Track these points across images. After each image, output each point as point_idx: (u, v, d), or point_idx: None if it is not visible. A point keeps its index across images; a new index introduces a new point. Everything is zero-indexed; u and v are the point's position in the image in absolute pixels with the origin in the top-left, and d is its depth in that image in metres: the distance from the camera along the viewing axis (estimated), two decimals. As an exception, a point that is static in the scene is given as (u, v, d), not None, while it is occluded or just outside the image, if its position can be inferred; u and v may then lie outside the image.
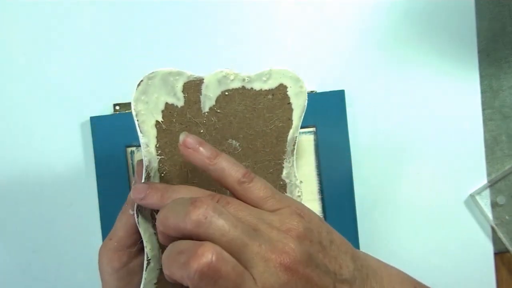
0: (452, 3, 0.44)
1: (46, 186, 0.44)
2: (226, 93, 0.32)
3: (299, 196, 0.33)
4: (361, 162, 0.44)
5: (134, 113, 0.30)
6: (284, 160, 0.33)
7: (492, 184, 0.44)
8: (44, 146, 0.44)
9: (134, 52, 0.44)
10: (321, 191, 0.43)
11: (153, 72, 0.30)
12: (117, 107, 0.43)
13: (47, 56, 0.44)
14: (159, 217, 0.26)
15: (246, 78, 0.32)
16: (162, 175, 0.31)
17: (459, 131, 0.44)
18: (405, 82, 0.44)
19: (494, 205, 0.44)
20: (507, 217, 0.44)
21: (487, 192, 0.44)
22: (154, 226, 0.31)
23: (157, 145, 0.31)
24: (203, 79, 0.31)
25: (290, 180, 0.33)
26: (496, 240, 0.44)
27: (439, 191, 0.44)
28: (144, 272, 0.31)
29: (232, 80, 0.32)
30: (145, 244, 0.31)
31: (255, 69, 0.44)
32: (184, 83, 0.31)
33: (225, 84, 0.31)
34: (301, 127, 0.42)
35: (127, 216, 0.32)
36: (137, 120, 0.30)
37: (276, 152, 0.33)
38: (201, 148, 0.27)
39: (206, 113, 0.31)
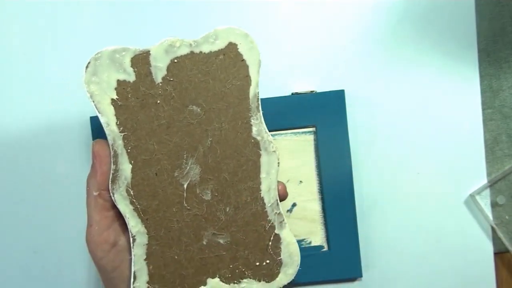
0: (452, 3, 0.44)
1: (47, 186, 0.44)
2: (176, 61, 0.32)
3: (274, 151, 0.33)
4: (361, 162, 0.44)
5: (88, 95, 0.31)
6: (251, 118, 0.33)
7: (492, 184, 0.44)
8: (44, 146, 0.44)
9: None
10: (321, 191, 0.43)
11: (98, 53, 0.31)
12: (117, 107, 0.43)
13: (47, 56, 0.44)
14: None
15: (193, 43, 0.32)
16: (128, 150, 0.32)
17: (459, 131, 0.44)
18: (405, 82, 0.44)
19: (494, 205, 0.44)
20: (507, 217, 0.44)
21: (487, 192, 0.44)
22: (132, 202, 0.32)
23: (118, 122, 0.31)
24: (149, 51, 0.31)
25: (262, 137, 0.33)
26: (496, 240, 0.44)
27: (439, 191, 0.44)
28: (132, 249, 0.32)
29: (179, 47, 0.32)
30: (127, 221, 0.32)
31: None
32: (131, 58, 0.31)
33: (173, 52, 0.32)
34: (301, 127, 0.43)
35: (93, 199, 0.32)
36: (93, 101, 0.31)
37: (240, 111, 0.32)
38: None
39: (160, 84, 0.32)
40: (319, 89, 0.44)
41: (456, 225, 0.44)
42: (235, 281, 0.33)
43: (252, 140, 0.33)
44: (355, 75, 0.44)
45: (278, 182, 0.34)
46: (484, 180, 0.44)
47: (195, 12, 0.44)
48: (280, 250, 0.33)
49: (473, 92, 0.44)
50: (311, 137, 0.43)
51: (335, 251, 0.42)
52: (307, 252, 0.43)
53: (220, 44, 0.32)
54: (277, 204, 0.33)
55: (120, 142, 0.31)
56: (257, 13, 0.44)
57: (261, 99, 0.42)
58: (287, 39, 0.44)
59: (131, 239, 0.32)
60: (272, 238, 0.33)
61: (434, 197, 0.44)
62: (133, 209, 0.32)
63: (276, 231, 0.33)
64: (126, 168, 0.32)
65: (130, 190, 0.32)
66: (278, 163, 0.33)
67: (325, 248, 0.43)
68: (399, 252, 0.44)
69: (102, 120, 0.31)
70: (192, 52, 0.32)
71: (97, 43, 0.44)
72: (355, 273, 0.43)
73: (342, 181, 0.42)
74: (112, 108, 0.31)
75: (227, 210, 0.33)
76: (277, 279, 0.33)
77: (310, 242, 0.43)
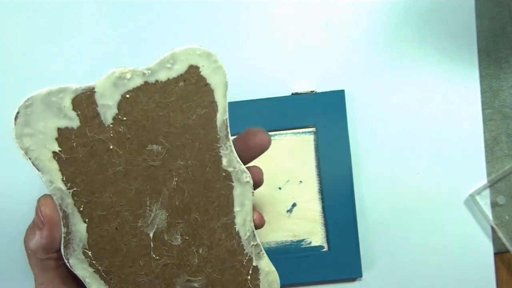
0: (452, 3, 0.44)
1: (46, 186, 0.44)
2: (128, 96, 0.27)
3: (248, 182, 0.30)
4: (361, 162, 0.44)
5: (22, 152, 0.26)
6: (220, 148, 0.29)
7: (492, 184, 0.44)
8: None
9: (134, 52, 0.44)
10: (321, 191, 0.43)
11: (28, 99, 0.26)
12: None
13: (47, 56, 0.44)
14: None
15: (146, 72, 0.27)
16: (81, 209, 0.27)
17: (459, 131, 0.44)
18: (405, 82, 0.44)
19: (494, 205, 0.44)
20: (507, 217, 0.44)
21: (487, 192, 0.44)
22: (91, 264, 0.28)
23: (64, 179, 0.27)
24: (94, 88, 0.26)
25: (234, 168, 0.29)
26: (496, 240, 0.44)
27: (439, 191, 0.44)
28: None
29: (130, 78, 0.27)
30: (87, 286, 0.28)
31: (254, 72, 0.44)
32: (72, 99, 0.26)
33: (123, 85, 0.27)
34: (301, 127, 0.43)
35: (40, 262, 0.28)
36: (29, 159, 0.26)
37: (208, 143, 0.28)
38: None
39: (111, 125, 0.27)
40: (319, 89, 0.44)
41: (456, 225, 0.44)
42: None
43: (224, 174, 0.29)
44: (355, 75, 0.44)
45: (254, 211, 0.31)
46: (484, 180, 0.44)
47: (195, 12, 0.44)
48: (259, 282, 0.31)
49: (473, 92, 0.44)
50: (311, 137, 0.43)
51: (335, 251, 0.42)
52: (307, 252, 0.43)
53: (179, 69, 0.27)
54: (254, 235, 0.30)
55: (69, 201, 0.27)
56: (257, 13, 0.44)
57: (261, 99, 0.43)
58: (287, 39, 0.44)
59: None
60: (250, 272, 0.30)
61: (434, 197, 0.44)
62: (94, 271, 0.28)
63: (254, 263, 0.31)
64: (80, 228, 0.27)
65: (87, 251, 0.28)
66: (253, 193, 0.30)
67: (325, 248, 0.43)
68: (399, 252, 0.44)
69: (44, 179, 0.26)
70: (146, 83, 0.27)
71: (98, 43, 0.44)
72: (355, 273, 0.42)
73: (342, 181, 0.42)
74: (54, 162, 0.26)
75: (200, 252, 0.29)
76: None
77: (310, 242, 0.43)
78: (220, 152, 0.29)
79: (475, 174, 0.44)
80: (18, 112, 0.26)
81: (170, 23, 0.44)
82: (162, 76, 0.27)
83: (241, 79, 0.44)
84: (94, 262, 0.28)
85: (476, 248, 0.44)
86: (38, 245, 0.28)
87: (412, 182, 0.44)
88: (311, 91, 0.43)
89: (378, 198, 0.44)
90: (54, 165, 0.26)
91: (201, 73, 0.28)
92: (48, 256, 0.28)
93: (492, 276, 0.44)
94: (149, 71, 0.27)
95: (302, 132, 0.43)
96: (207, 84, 0.28)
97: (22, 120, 0.26)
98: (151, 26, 0.44)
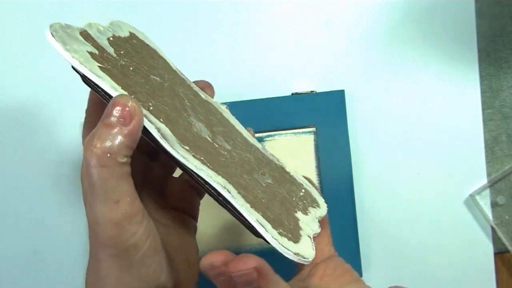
0: (452, 3, 0.44)
1: (47, 186, 0.44)
2: (111, 39, 0.29)
3: (226, 108, 0.33)
4: (361, 162, 0.44)
5: (76, 62, 0.26)
6: (192, 85, 0.32)
7: (492, 184, 0.44)
8: (44, 146, 0.44)
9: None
10: (321, 191, 0.43)
11: (51, 25, 0.26)
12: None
13: (47, 55, 0.44)
14: None
15: (110, 28, 0.30)
16: (151, 108, 0.27)
17: (459, 131, 0.44)
18: (405, 82, 0.44)
19: (494, 205, 0.44)
20: (507, 217, 0.44)
21: (487, 192, 0.44)
22: (195, 157, 0.27)
23: (122, 87, 0.26)
24: (86, 30, 0.28)
25: (211, 101, 0.33)
26: (496, 240, 0.44)
27: (439, 191, 0.44)
28: (235, 203, 0.26)
29: (103, 30, 0.29)
30: (208, 177, 0.26)
31: (254, 72, 0.44)
32: (80, 33, 0.27)
33: (103, 33, 0.29)
34: (301, 127, 0.43)
35: (119, 167, 0.25)
36: (85, 67, 0.25)
37: (181, 80, 0.32)
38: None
39: (117, 57, 0.28)
40: (319, 89, 0.44)
41: (456, 225, 0.44)
42: (307, 212, 0.31)
43: (208, 101, 0.32)
44: (355, 75, 0.44)
45: (247, 129, 0.33)
46: (484, 180, 0.44)
47: (196, 13, 0.44)
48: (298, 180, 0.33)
49: (473, 92, 0.44)
50: (311, 137, 0.43)
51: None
52: (307, 252, 0.43)
53: (125, 32, 0.31)
54: (264, 147, 0.33)
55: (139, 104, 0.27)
56: (257, 13, 0.44)
57: (261, 99, 0.43)
58: (287, 39, 0.44)
59: (227, 194, 0.26)
60: (287, 171, 0.32)
61: (434, 197, 0.44)
62: (201, 162, 0.26)
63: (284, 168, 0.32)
64: (162, 126, 0.26)
65: (184, 146, 0.26)
66: (234, 117, 0.33)
67: (325, 248, 0.43)
68: (399, 252, 0.44)
69: (106, 85, 0.25)
70: (114, 36, 0.30)
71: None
72: (355, 273, 0.42)
73: (342, 181, 0.42)
74: (105, 73, 0.26)
75: (248, 156, 0.31)
76: (320, 202, 0.32)
77: (310, 242, 0.43)
78: (193, 88, 0.32)
79: (475, 174, 0.44)
80: (51, 33, 0.26)
81: (170, 23, 0.44)
82: (121, 34, 0.31)
83: (241, 79, 0.44)
84: (194, 154, 0.26)
85: (476, 248, 0.44)
86: (123, 143, 0.25)
87: (412, 182, 0.44)
88: (311, 91, 0.43)
89: (378, 198, 0.44)
90: (106, 76, 0.26)
91: (140, 37, 0.32)
92: (127, 160, 0.26)
93: (492, 276, 0.44)
94: (111, 29, 0.30)
95: (302, 132, 0.43)
96: (148, 45, 0.32)
97: (60, 39, 0.26)
98: (151, 26, 0.44)
